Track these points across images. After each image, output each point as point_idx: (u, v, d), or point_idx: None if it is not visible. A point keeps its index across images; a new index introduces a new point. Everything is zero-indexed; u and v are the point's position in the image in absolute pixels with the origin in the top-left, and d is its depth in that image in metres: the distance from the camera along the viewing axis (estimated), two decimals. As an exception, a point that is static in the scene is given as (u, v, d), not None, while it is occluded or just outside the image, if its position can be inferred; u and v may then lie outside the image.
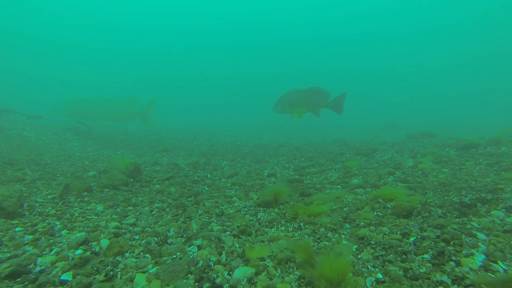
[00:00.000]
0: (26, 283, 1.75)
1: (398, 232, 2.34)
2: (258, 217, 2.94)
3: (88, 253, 2.11)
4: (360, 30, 53.01)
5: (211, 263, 2.00)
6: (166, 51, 56.55)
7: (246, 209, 3.23)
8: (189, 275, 1.85)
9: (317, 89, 7.62)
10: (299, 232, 2.51)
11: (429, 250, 2.02)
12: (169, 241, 2.38)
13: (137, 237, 2.47)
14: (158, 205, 3.44)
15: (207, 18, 56.57)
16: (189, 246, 2.27)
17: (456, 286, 1.65)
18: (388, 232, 2.38)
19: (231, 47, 57.50)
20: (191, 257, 2.09)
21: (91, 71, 46.64)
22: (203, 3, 55.04)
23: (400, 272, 1.80)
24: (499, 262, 1.81)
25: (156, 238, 2.41)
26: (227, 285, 1.75)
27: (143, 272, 1.90)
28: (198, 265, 1.96)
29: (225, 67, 55.01)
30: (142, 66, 52.77)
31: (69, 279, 1.80)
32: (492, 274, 1.70)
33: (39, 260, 2.03)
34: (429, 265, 1.85)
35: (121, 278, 1.84)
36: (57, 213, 3.00)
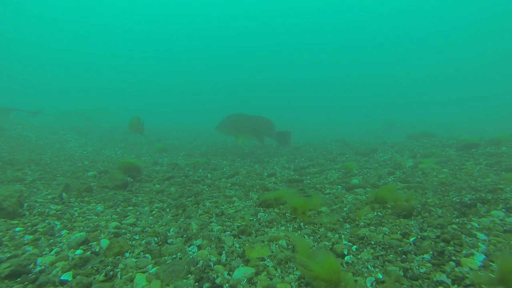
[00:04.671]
0: (26, 283, 1.75)
1: (398, 232, 2.34)
2: (258, 217, 2.94)
3: (88, 253, 2.11)
4: (365, 36, 53.60)
5: (211, 263, 1.99)
6: (166, 55, 56.93)
7: (246, 209, 3.23)
8: (189, 275, 1.85)
9: (262, 118, 7.96)
10: (299, 232, 2.51)
11: (429, 250, 2.02)
12: (169, 241, 2.38)
13: (137, 237, 2.47)
14: (158, 205, 3.44)
15: (206, 22, 56.95)
16: (189, 246, 2.27)
17: (456, 286, 1.65)
18: (388, 232, 2.37)
19: (229, 51, 57.90)
20: (191, 257, 2.09)
21: (89, 77, 46.78)
22: (200, 7, 55.35)
23: (400, 272, 1.79)
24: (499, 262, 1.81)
25: (156, 238, 2.41)
26: (227, 285, 1.75)
27: (143, 272, 1.90)
28: (198, 265, 1.96)
29: (227, 71, 55.36)
30: (142, 70, 53.07)
31: (69, 279, 1.80)
32: (492, 274, 1.70)
33: (39, 260, 2.03)
34: (429, 265, 1.85)
35: (121, 278, 1.84)
36: (57, 213, 3.00)
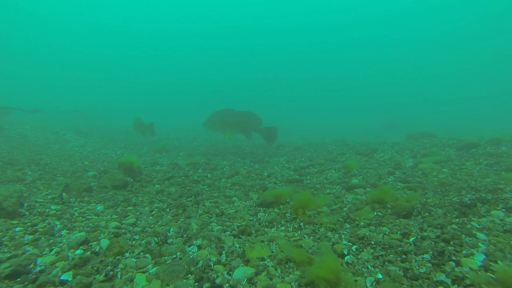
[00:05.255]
0: (26, 283, 1.75)
1: (398, 232, 2.34)
2: (258, 217, 2.94)
3: (88, 253, 2.11)
4: (365, 35, 53.79)
5: (211, 263, 1.99)
6: (165, 54, 57.00)
7: (246, 209, 3.23)
8: (189, 275, 1.85)
9: (249, 113, 7.86)
10: (299, 232, 2.51)
11: (429, 250, 2.02)
12: (169, 241, 2.38)
13: (137, 237, 2.47)
14: (158, 205, 3.44)
15: (205, 22, 57.08)
16: (189, 246, 2.27)
17: (456, 286, 1.65)
18: (388, 232, 2.37)
19: (231, 51, 58.01)
20: (191, 257, 2.09)
21: (87, 76, 46.76)
22: (199, 7, 55.46)
23: (400, 272, 1.80)
24: (499, 262, 1.81)
25: (156, 238, 2.41)
26: (227, 285, 1.75)
27: (143, 272, 1.90)
28: (198, 265, 1.96)
29: (227, 70, 55.42)
30: (141, 70, 53.14)
31: (69, 279, 1.80)
32: (492, 274, 1.70)
33: (39, 260, 2.03)
34: (429, 265, 1.85)
35: (121, 278, 1.84)
36: (57, 213, 3.00)
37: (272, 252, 2.12)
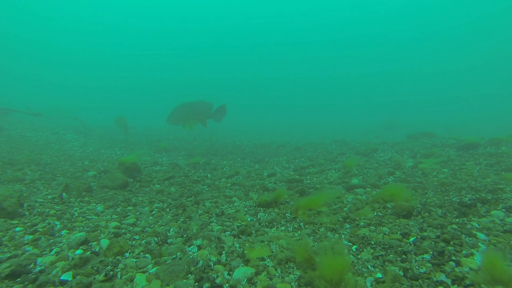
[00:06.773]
0: (26, 283, 1.75)
1: (398, 232, 2.34)
2: (258, 217, 2.93)
3: (88, 253, 2.11)
4: (365, 34, 53.82)
5: (211, 263, 1.99)
6: (164, 53, 57.03)
7: (246, 209, 3.23)
8: (189, 275, 1.85)
9: (202, 102, 8.39)
10: (299, 232, 2.51)
11: (429, 250, 2.02)
12: (169, 241, 2.38)
13: (137, 237, 2.47)
14: (158, 205, 3.44)
15: (203, 21, 57.16)
16: (189, 246, 2.27)
17: (456, 286, 1.65)
18: (388, 232, 2.37)
19: (231, 50, 58.06)
20: (191, 257, 2.09)
21: (88, 75, 46.74)
22: (199, 7, 55.57)
23: (400, 272, 1.79)
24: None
25: (156, 238, 2.41)
26: (227, 285, 1.75)
27: (143, 272, 1.90)
28: (198, 265, 1.96)
29: (228, 70, 55.46)
30: (138, 68, 53.13)
31: (69, 279, 1.80)
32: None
33: (39, 260, 2.03)
34: (429, 265, 1.85)
35: (121, 278, 1.84)
36: (57, 213, 2.99)
37: (272, 252, 2.12)
